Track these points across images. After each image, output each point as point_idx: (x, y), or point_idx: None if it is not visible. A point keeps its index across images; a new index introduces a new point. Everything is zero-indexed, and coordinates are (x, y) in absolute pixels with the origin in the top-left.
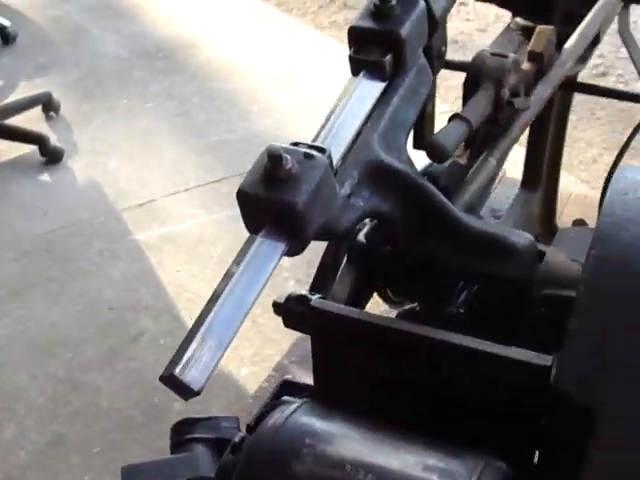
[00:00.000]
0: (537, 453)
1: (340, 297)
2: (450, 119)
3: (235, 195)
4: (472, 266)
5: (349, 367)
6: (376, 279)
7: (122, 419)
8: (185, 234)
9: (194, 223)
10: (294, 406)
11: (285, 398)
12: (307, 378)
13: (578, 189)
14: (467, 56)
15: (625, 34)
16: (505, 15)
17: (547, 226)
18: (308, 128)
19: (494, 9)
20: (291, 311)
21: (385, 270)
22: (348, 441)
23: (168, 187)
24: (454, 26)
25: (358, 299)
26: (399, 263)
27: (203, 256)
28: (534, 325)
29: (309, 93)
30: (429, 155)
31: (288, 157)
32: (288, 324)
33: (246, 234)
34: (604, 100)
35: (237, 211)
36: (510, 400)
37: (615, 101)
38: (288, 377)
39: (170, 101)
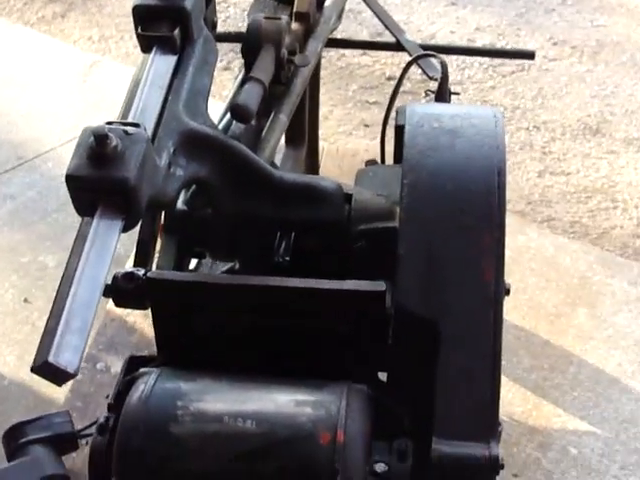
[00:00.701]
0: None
1: (166, 268)
2: (243, 81)
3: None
4: (291, 215)
5: (196, 329)
6: (196, 245)
7: None
8: None
9: None
10: (154, 375)
11: (142, 370)
12: (118, 362)
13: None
14: None
15: None
16: None
17: None
18: (42, 126)
19: None
20: (121, 289)
21: (207, 234)
22: (218, 395)
23: None
24: None
25: (182, 268)
26: (221, 224)
27: None
28: (358, 260)
29: (34, 91)
30: (234, 117)
31: (112, 135)
32: (119, 303)
33: None
34: (323, 61)
35: None
36: (354, 329)
37: (334, 60)
38: (133, 354)
39: None
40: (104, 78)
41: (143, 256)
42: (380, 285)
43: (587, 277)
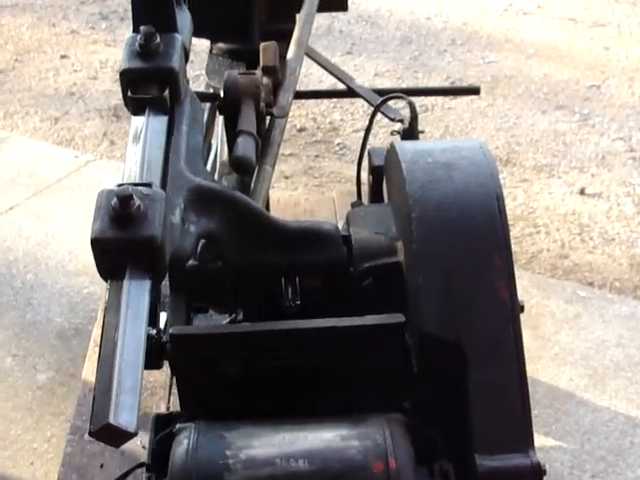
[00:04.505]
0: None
1: (179, 325)
2: (236, 135)
3: None
4: (297, 260)
5: (223, 380)
6: (201, 300)
7: None
8: None
9: None
10: (194, 429)
11: (179, 426)
12: None
13: None
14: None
15: None
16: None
17: None
18: None
19: (97, 56)
20: None
21: (214, 287)
22: (264, 439)
23: None
24: (65, 79)
25: (189, 324)
26: (229, 275)
27: None
28: (363, 297)
29: None
30: (237, 169)
31: (135, 195)
32: None
33: None
34: None
35: None
36: (377, 361)
37: None
38: (159, 412)
39: None
40: (15, 154)
41: (150, 318)
42: (399, 317)
43: (525, 301)
